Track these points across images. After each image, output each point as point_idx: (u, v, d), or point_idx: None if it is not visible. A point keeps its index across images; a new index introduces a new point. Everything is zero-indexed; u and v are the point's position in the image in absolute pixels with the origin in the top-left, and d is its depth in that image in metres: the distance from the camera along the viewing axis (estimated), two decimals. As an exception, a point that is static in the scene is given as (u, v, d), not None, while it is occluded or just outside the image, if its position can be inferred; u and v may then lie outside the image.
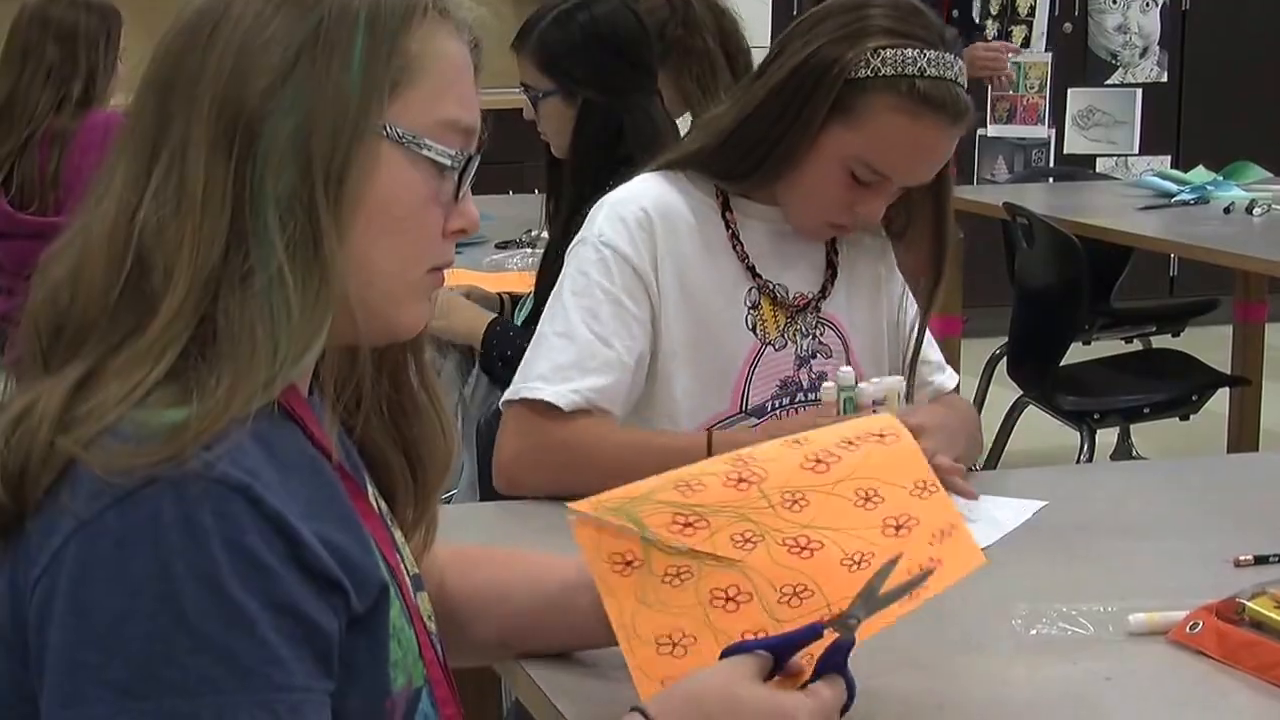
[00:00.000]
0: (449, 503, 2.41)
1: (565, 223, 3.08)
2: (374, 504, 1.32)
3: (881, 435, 1.50)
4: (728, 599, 1.41)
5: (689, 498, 1.45)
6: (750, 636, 1.38)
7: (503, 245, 4.03)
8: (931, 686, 1.52)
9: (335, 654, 1.16)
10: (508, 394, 2.13)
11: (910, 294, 2.30)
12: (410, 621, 1.27)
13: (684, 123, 4.30)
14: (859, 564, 1.41)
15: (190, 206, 1.17)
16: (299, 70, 1.19)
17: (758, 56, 4.22)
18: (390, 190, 1.22)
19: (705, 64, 4.01)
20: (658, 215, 2.15)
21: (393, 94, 1.22)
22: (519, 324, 3.29)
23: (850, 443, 1.49)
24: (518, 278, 3.65)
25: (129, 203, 1.19)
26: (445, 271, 1.30)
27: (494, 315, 3.24)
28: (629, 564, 1.43)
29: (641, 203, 2.16)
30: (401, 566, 1.31)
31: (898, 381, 2.13)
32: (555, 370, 2.09)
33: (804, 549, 1.42)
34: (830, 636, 1.30)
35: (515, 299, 3.45)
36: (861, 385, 2.09)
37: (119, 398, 1.14)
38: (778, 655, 1.30)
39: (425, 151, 1.24)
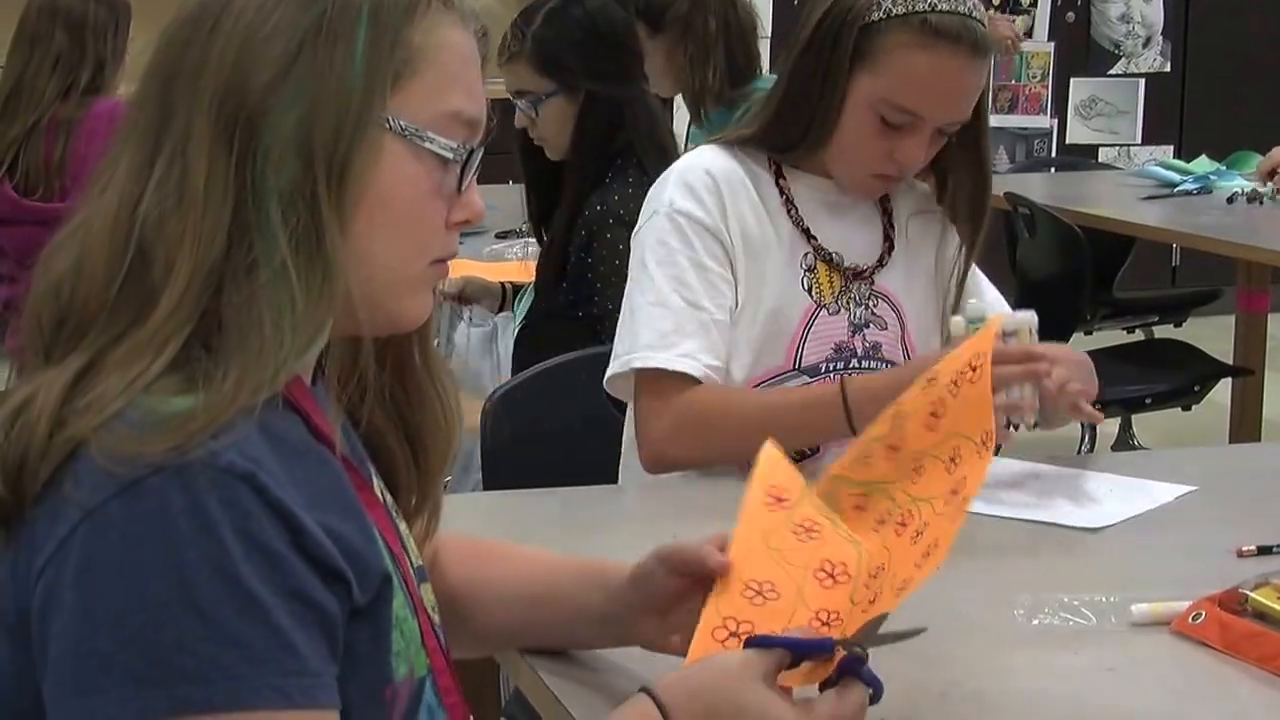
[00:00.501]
0: (446, 490, 2.41)
1: (569, 218, 3.08)
2: (379, 495, 1.32)
3: (974, 369, 1.51)
4: (830, 574, 1.42)
5: (869, 473, 1.50)
6: (824, 616, 1.39)
7: (502, 235, 4.04)
8: (934, 676, 1.52)
9: (341, 639, 1.17)
10: (615, 368, 2.18)
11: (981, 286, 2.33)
12: (414, 612, 1.27)
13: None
14: (919, 534, 1.43)
15: (192, 200, 1.17)
16: (301, 63, 1.19)
17: (760, 47, 4.25)
18: (392, 183, 1.22)
19: (702, 46, 4.01)
20: (721, 178, 2.22)
21: (395, 86, 1.22)
22: (519, 314, 3.29)
23: (955, 383, 1.51)
24: (517, 267, 3.65)
25: (131, 195, 1.19)
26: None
27: None
28: (780, 500, 1.46)
29: (706, 167, 2.23)
30: (406, 557, 1.31)
31: (1029, 316, 2.14)
32: (660, 337, 2.15)
33: (902, 524, 1.45)
34: (840, 654, 1.31)
35: (516, 288, 3.45)
36: (991, 316, 2.09)
37: (119, 389, 1.14)
38: (795, 656, 1.31)
39: (428, 144, 1.23)
